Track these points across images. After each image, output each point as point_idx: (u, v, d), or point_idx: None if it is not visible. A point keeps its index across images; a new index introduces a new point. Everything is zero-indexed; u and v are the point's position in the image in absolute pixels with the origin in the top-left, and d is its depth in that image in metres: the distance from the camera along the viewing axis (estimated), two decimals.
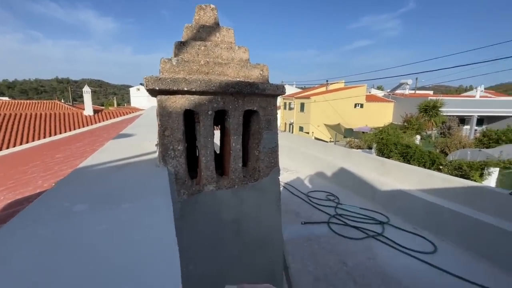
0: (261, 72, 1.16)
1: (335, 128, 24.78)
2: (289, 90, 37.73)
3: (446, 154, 12.47)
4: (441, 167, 9.34)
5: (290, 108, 31.39)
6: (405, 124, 19.61)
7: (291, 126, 30.85)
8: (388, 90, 34.74)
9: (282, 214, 4.59)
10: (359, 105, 27.29)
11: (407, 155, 10.90)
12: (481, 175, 8.16)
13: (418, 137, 17.23)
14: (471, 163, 8.80)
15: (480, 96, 28.00)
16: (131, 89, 42.35)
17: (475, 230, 3.36)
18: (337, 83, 31.04)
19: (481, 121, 25.14)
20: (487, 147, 12.96)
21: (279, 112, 34.80)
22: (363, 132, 19.03)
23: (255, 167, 1.19)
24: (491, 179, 8.09)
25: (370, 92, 32.80)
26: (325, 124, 26.33)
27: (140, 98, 37.33)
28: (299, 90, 39.04)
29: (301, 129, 28.34)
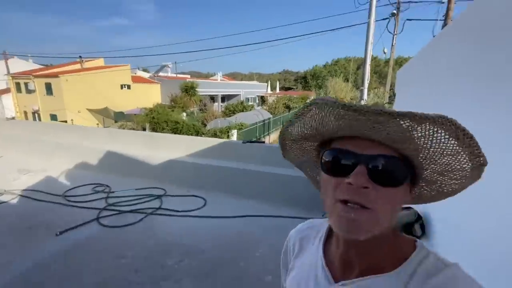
0: None
1: (102, 113, 21.53)
2: (22, 66, 26.69)
3: (205, 125, 15.20)
4: (203, 135, 11.19)
5: (29, 91, 22.71)
6: (172, 103, 21.27)
7: (36, 114, 22.63)
8: (153, 72, 35.57)
9: (22, 233, 3.07)
10: (126, 86, 25.53)
11: (177, 130, 11.90)
12: (228, 136, 10.82)
13: (184, 114, 19.48)
14: (221, 129, 11.34)
15: (220, 80, 36.83)
16: None
17: (228, 176, 4.20)
18: (93, 60, 26.58)
19: (223, 98, 33.30)
20: (228, 116, 17.45)
21: (9, 96, 23.94)
22: (135, 114, 18.16)
23: None
24: (234, 137, 10.98)
25: (136, 73, 31.65)
26: (88, 109, 22.05)
27: None
28: (41, 66, 28.89)
29: (54, 117, 21.61)
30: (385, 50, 8.99)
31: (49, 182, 4.65)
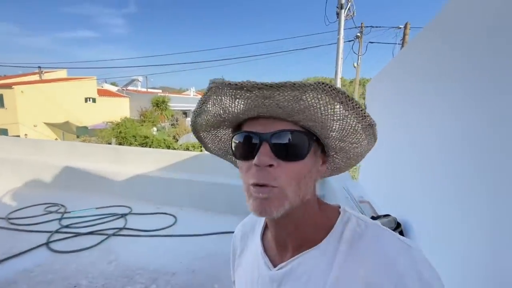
0: None
1: (62, 127, 19.94)
2: None
3: (177, 140, 14.71)
4: (174, 150, 10.75)
5: None
6: (142, 118, 20.40)
7: None
8: (122, 86, 34.20)
9: None
10: (91, 99, 24.10)
11: (147, 145, 11.32)
12: (201, 151, 10.52)
13: (155, 128, 18.74)
14: (193, 144, 11.00)
15: (193, 95, 36.48)
16: None
17: (201, 190, 3.98)
18: (55, 71, 24.91)
19: None
20: None
21: None
22: (100, 129, 17.05)
23: None
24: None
25: (103, 87, 30.15)
26: (46, 123, 20.30)
27: None
28: None
29: (4, 132, 19.44)
30: (355, 65, 9.69)
31: None
